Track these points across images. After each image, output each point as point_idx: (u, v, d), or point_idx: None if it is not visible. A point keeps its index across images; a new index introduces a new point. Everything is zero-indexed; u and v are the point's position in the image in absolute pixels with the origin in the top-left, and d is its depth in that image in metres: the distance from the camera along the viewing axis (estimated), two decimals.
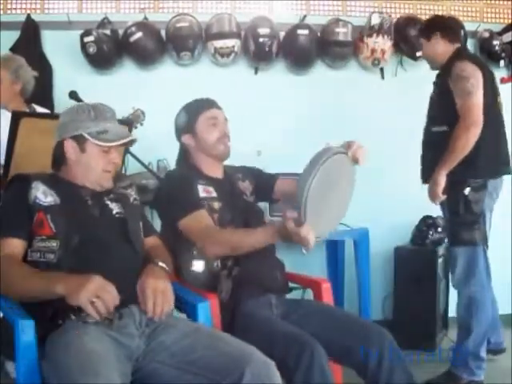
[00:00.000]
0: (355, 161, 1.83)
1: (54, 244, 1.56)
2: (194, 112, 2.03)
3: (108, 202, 1.73)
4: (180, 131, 2.05)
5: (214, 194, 1.96)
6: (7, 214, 1.61)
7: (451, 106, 2.49)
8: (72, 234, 1.56)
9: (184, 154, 2.09)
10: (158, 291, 1.55)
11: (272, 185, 2.14)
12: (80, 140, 1.68)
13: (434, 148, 2.56)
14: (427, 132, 2.67)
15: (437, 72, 2.72)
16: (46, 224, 1.57)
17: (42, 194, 1.61)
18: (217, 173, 2.06)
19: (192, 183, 1.95)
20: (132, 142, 1.78)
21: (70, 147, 1.69)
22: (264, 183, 2.15)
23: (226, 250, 1.83)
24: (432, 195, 2.53)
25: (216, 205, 1.93)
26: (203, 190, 1.95)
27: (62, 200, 1.63)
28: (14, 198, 1.63)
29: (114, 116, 1.76)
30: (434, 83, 2.69)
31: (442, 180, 2.47)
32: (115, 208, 1.73)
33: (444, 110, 2.56)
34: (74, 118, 1.70)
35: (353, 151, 1.81)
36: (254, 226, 1.94)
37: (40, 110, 2.80)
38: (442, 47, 2.67)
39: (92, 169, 1.69)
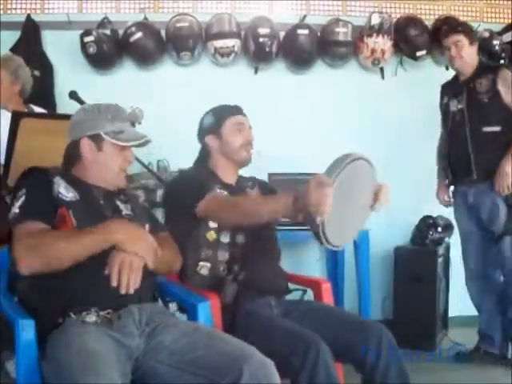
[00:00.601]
0: (375, 200, 1.81)
1: None
2: (222, 115, 2.05)
3: (119, 203, 1.74)
4: (204, 132, 2.07)
5: None
6: (33, 201, 1.57)
7: (502, 107, 2.75)
8: None
9: (204, 156, 2.09)
10: (126, 263, 1.47)
11: None
12: (97, 139, 1.68)
13: (488, 147, 2.76)
14: (476, 133, 2.80)
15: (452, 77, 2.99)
16: (68, 219, 1.56)
17: (65, 190, 1.61)
18: (231, 179, 2.07)
19: (208, 184, 1.95)
20: (147, 142, 1.78)
21: (87, 146, 1.69)
22: None
23: (241, 220, 1.82)
24: (504, 186, 2.70)
25: None
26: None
27: (80, 197, 1.63)
28: (39, 188, 1.60)
29: (130, 118, 1.80)
30: (470, 89, 2.83)
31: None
32: (124, 209, 1.74)
33: (497, 111, 2.78)
34: (91, 118, 1.71)
35: (379, 192, 1.80)
36: (263, 235, 1.95)
37: (38, 110, 2.80)
38: (475, 54, 2.90)
39: (109, 168, 1.70)
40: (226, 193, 1.96)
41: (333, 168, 1.61)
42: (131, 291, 1.47)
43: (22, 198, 1.57)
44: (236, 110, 2.08)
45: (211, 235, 1.91)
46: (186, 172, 2.14)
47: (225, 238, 1.91)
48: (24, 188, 1.59)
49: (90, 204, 1.65)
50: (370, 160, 1.80)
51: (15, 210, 1.55)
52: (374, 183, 1.84)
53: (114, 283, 1.45)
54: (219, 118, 2.04)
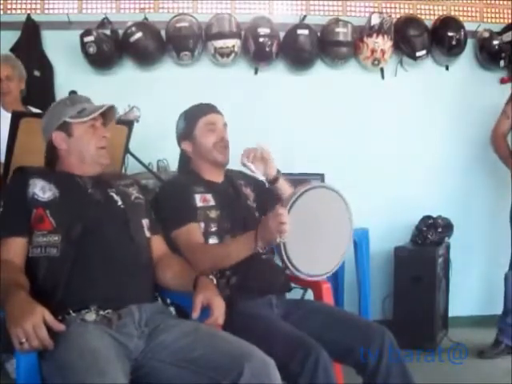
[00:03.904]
0: None
1: (55, 238, 1.57)
2: (193, 118, 2.02)
3: (113, 194, 1.74)
4: (180, 138, 2.05)
5: (212, 203, 1.94)
6: (7, 212, 1.61)
7: None
8: (73, 225, 1.57)
9: (184, 160, 2.08)
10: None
11: (267, 208, 2.11)
12: (65, 127, 1.72)
13: None
14: None
15: None
16: (45, 219, 1.58)
17: (41, 190, 1.62)
18: (217, 177, 2.05)
19: (189, 193, 1.93)
20: (111, 108, 1.78)
21: (59, 138, 1.72)
22: (263, 200, 2.10)
23: (211, 265, 1.79)
24: None
25: (213, 213, 1.91)
26: (200, 199, 1.93)
27: (61, 193, 1.63)
28: (12, 195, 1.64)
29: (89, 101, 1.81)
30: None
31: None
32: (119, 200, 1.74)
33: None
34: (54, 112, 1.76)
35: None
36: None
37: (35, 112, 2.80)
38: None
39: (85, 148, 1.72)
40: (202, 226, 1.88)
41: (289, 197, 1.66)
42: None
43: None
44: (208, 109, 2.03)
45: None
46: (171, 183, 2.12)
47: (213, 242, 1.89)
48: (2, 196, 1.64)
49: (75, 196, 1.66)
50: (335, 188, 1.79)
51: None
52: (345, 211, 1.83)
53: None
54: (191, 121, 2.01)
